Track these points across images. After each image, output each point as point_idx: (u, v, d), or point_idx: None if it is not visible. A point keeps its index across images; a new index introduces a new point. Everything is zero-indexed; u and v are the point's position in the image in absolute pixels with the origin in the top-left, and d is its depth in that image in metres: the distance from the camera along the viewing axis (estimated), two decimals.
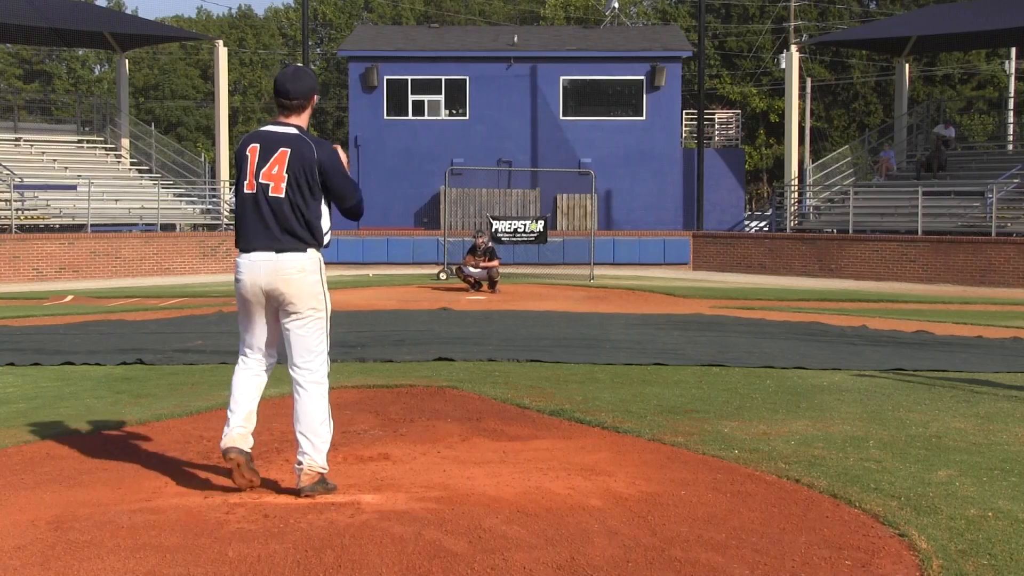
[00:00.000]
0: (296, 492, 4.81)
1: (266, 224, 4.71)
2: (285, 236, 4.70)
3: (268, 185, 4.71)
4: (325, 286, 4.86)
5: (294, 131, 4.79)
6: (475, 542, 4.18)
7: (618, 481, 5.16)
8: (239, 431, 4.85)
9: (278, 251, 4.71)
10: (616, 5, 42.94)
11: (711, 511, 4.67)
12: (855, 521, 4.55)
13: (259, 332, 4.90)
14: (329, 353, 4.93)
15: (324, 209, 4.85)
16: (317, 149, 4.73)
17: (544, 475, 5.26)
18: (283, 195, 4.69)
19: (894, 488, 5.05)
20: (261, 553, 4.04)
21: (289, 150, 4.72)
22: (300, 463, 4.79)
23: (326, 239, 4.82)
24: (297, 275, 4.71)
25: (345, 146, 35.67)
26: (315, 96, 4.88)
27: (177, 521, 4.44)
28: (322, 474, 4.81)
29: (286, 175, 4.69)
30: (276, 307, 4.82)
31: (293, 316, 4.78)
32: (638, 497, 4.87)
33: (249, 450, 4.88)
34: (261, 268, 4.72)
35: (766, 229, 34.02)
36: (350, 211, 4.93)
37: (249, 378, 4.94)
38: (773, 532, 4.38)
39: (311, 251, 4.76)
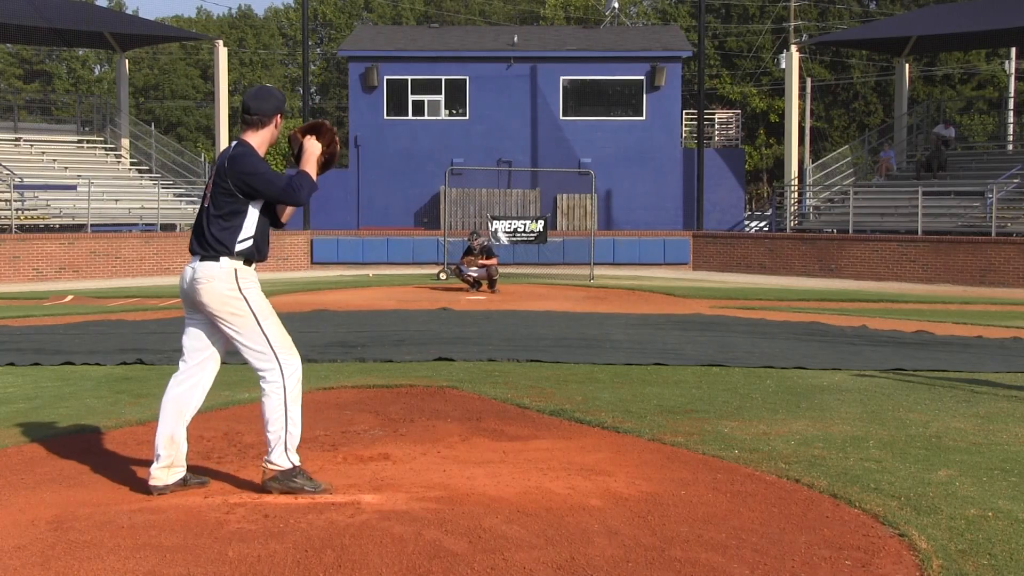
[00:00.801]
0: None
1: (197, 231, 4.97)
2: (204, 245, 4.90)
3: (205, 196, 4.99)
4: (246, 292, 4.91)
5: (232, 144, 4.99)
6: (475, 542, 4.18)
7: (618, 481, 5.16)
8: (161, 469, 4.91)
9: (201, 259, 4.93)
10: (616, 5, 42.95)
11: (711, 511, 4.67)
12: (855, 521, 4.55)
13: (192, 332, 5.09)
14: (280, 355, 4.91)
15: (250, 215, 4.91)
16: (228, 161, 4.88)
17: (544, 475, 5.26)
18: (207, 205, 4.94)
19: (894, 488, 5.05)
20: (261, 553, 4.04)
21: (217, 163, 4.97)
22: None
23: (240, 247, 4.88)
24: (205, 284, 4.89)
25: (344, 145, 35.68)
26: (278, 116, 5.03)
27: (177, 521, 4.44)
28: (279, 471, 4.86)
29: (211, 187, 4.93)
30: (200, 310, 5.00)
31: (217, 321, 4.96)
32: (638, 497, 4.88)
33: (177, 479, 4.93)
34: (187, 273, 4.98)
35: (766, 229, 34.01)
36: (283, 203, 5.00)
37: (171, 398, 5.02)
38: (773, 532, 4.38)
39: (224, 259, 4.89)
